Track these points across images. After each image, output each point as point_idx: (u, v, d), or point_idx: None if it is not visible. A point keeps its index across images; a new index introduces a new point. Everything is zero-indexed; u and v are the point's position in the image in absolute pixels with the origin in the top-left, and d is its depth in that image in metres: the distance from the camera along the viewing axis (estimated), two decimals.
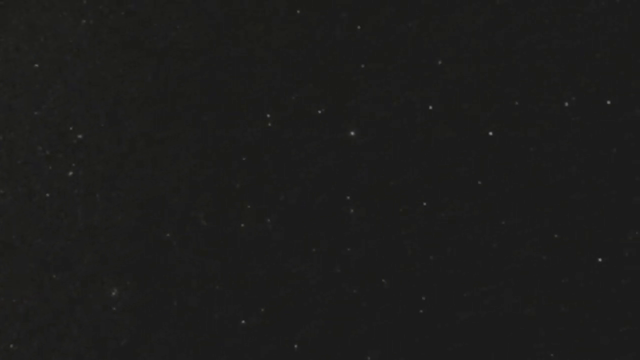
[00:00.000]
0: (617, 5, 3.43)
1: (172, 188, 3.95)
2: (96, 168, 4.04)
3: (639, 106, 3.40)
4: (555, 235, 3.52)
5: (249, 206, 3.87)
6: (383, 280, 3.73)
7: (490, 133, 3.58)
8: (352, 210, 3.76)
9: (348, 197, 3.76)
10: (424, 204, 3.67)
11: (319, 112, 3.78)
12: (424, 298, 3.68)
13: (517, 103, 3.55)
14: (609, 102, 3.44)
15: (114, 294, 3.97)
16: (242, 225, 3.87)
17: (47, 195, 4.08)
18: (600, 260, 3.47)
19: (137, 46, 3.96)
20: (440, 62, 3.64)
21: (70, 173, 4.04)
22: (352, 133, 3.73)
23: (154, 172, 3.97)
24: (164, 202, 3.96)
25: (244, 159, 3.87)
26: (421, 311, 3.68)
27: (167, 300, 3.95)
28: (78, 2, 4.03)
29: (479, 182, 3.61)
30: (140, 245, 3.97)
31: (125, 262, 3.98)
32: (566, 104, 3.49)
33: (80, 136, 4.04)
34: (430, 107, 3.65)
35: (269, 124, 3.84)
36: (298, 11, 3.79)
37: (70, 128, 4.06)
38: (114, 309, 3.99)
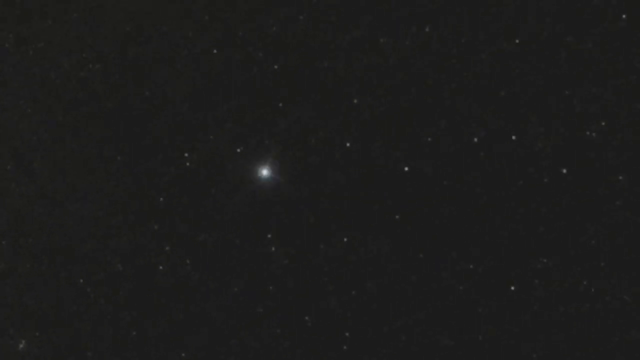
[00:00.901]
0: (520, 45, 3.65)
1: (85, 232, 3.80)
2: (1, 213, 3.84)
3: (542, 140, 3.60)
4: (470, 266, 3.63)
5: (167, 248, 3.78)
6: (306, 318, 3.72)
7: (406, 168, 3.68)
8: (273, 249, 3.74)
9: (269, 236, 3.74)
10: (345, 239, 3.71)
11: (238, 150, 3.77)
12: (347, 334, 3.69)
13: (429, 139, 3.67)
14: (514, 137, 3.62)
15: (21, 346, 3.76)
16: (161, 267, 3.77)
17: None
18: (512, 288, 3.61)
19: (46, 87, 3.82)
20: (356, 101, 3.73)
21: None
22: (265, 172, 3.74)
23: (64, 215, 3.81)
24: (76, 247, 3.80)
25: (161, 199, 3.79)
26: (345, 347, 3.69)
27: (80, 351, 3.77)
28: None
29: (396, 217, 3.69)
30: (50, 293, 3.78)
31: (34, 312, 3.78)
32: (475, 139, 3.65)
33: None
34: (348, 144, 3.72)
35: (187, 164, 3.79)
36: (215, 50, 3.79)
37: None
38: None
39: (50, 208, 3.81)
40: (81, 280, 3.79)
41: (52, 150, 3.82)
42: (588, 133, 3.56)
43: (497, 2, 3.62)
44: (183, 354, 3.74)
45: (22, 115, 3.82)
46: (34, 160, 3.83)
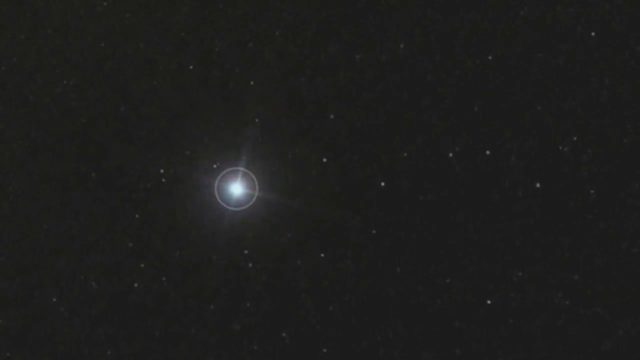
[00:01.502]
0: (493, 61, 3.70)
1: (59, 249, 3.74)
2: None
3: (515, 155, 3.65)
4: (447, 280, 3.65)
5: (142, 265, 3.74)
6: (283, 334, 3.69)
7: (382, 184, 3.69)
8: (250, 265, 3.72)
9: (246, 252, 3.72)
10: (322, 254, 3.71)
11: (214, 166, 3.75)
12: (325, 350, 3.67)
13: (405, 154, 3.70)
14: (488, 153, 3.66)
15: None
16: (136, 285, 3.72)
17: None
18: (489, 302, 3.63)
19: (20, 103, 3.78)
20: (332, 116, 3.74)
21: None
22: (241, 187, 3.73)
23: (37, 233, 3.75)
24: (50, 264, 3.74)
25: (136, 216, 3.75)
26: None
27: None
28: None
29: (374, 232, 3.70)
30: (22, 313, 3.71)
31: (7, 332, 3.70)
32: (450, 154, 3.68)
33: None
34: (324, 160, 3.73)
35: (163, 180, 3.76)
36: (191, 66, 3.78)
37: None
38: None
39: (23, 225, 3.75)
40: (54, 299, 3.73)
41: (25, 166, 3.77)
42: (560, 148, 3.61)
43: (470, 20, 3.68)
44: None
45: None
46: (7, 177, 3.77)
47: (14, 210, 3.76)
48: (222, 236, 3.73)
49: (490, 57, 3.67)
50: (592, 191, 3.59)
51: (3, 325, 3.71)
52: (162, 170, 3.75)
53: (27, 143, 3.78)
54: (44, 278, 3.74)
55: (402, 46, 3.71)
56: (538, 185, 3.62)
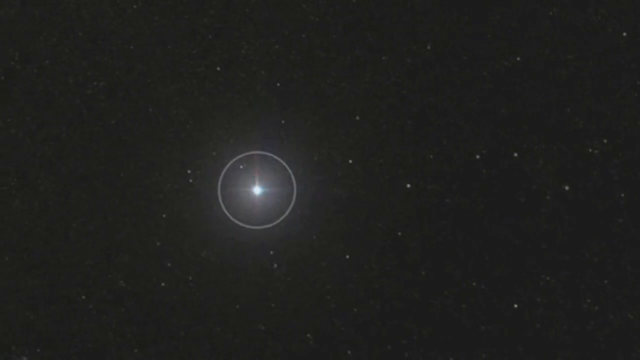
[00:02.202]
0: (522, 63, 3.67)
1: (87, 248, 3.80)
2: (4, 229, 3.84)
3: (543, 158, 3.61)
4: (474, 284, 3.63)
5: (169, 264, 3.78)
6: (308, 335, 3.70)
7: (408, 185, 3.69)
8: (275, 265, 3.74)
9: (271, 252, 3.74)
10: (347, 256, 3.71)
11: (241, 167, 3.78)
12: (349, 352, 3.67)
13: (431, 156, 3.69)
14: (515, 155, 3.64)
15: None
16: (163, 284, 3.77)
17: None
18: (516, 306, 3.60)
19: (50, 104, 3.84)
20: (358, 118, 3.75)
21: None
22: (267, 187, 3.75)
23: (67, 231, 3.81)
24: (78, 263, 3.80)
25: (164, 215, 3.79)
26: None
27: None
28: None
29: (399, 233, 3.69)
30: (52, 309, 3.77)
31: (36, 328, 3.77)
32: (477, 156, 3.66)
33: None
34: (350, 161, 3.74)
35: (190, 180, 3.80)
36: (218, 68, 3.82)
37: None
38: None
39: (52, 224, 3.82)
40: (83, 297, 3.78)
41: (55, 166, 3.83)
42: (590, 150, 3.57)
43: (498, 21, 3.66)
44: None
45: (27, 131, 3.84)
46: (38, 177, 3.84)
47: (43, 210, 3.82)
48: (247, 236, 3.75)
49: (518, 59, 3.64)
50: (622, 194, 3.54)
51: (33, 322, 3.77)
52: (189, 171, 3.79)
53: (58, 143, 3.84)
54: (72, 276, 3.80)
55: (428, 47, 3.70)
56: (566, 187, 3.58)
